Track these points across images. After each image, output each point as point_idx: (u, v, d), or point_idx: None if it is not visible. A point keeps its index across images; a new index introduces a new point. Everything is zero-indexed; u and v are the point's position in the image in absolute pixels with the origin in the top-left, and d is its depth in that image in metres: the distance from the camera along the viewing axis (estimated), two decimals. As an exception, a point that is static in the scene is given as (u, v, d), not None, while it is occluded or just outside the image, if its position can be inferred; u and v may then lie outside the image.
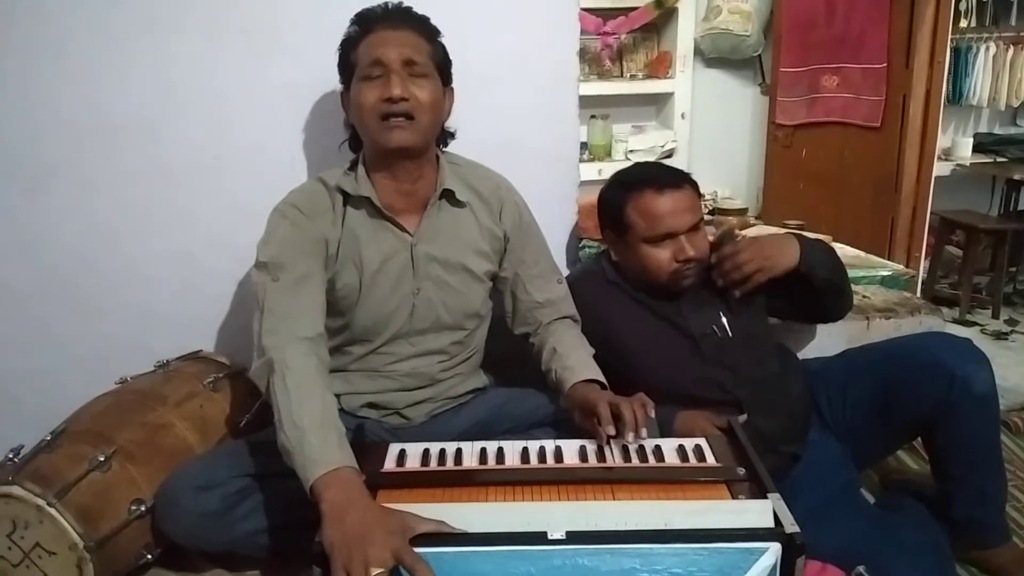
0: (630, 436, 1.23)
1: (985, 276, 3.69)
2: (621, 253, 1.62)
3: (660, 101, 4.23)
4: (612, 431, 1.25)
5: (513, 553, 0.99)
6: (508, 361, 1.66)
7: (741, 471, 1.19)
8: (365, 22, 1.43)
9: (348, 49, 1.44)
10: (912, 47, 3.16)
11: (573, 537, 1.00)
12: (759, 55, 4.16)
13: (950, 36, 3.17)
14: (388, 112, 1.37)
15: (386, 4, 1.46)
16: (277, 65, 1.71)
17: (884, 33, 3.30)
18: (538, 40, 1.82)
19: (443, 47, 1.47)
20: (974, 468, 1.47)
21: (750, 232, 2.54)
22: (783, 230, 2.47)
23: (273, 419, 1.22)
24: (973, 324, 3.31)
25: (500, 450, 1.27)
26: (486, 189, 1.56)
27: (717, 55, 4.12)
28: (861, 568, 1.25)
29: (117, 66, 1.66)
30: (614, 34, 3.94)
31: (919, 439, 1.65)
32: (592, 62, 4.02)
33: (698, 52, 4.10)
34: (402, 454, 1.27)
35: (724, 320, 1.58)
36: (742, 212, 3.01)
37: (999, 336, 3.17)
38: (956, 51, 3.74)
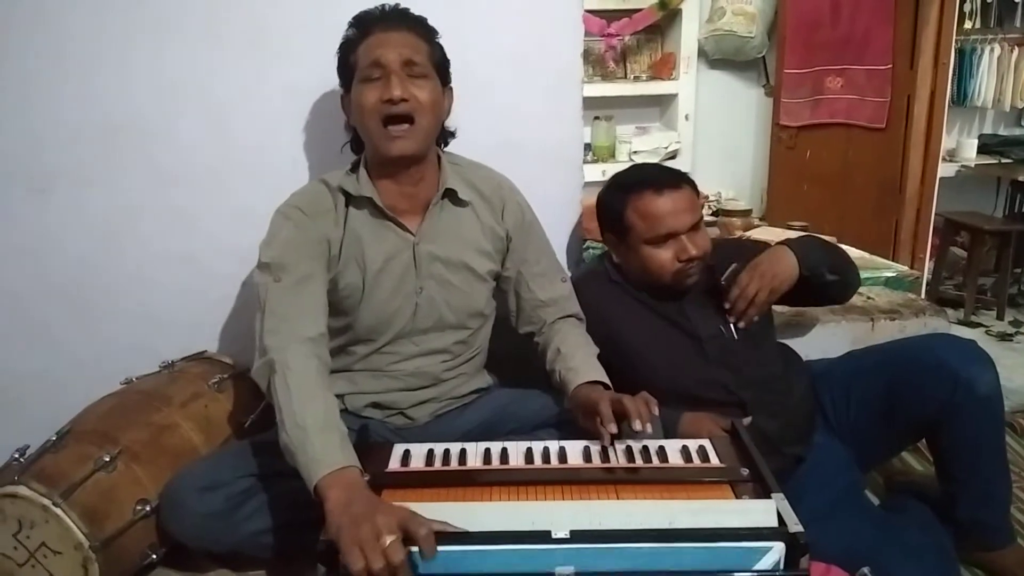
0: (636, 424, 1.22)
1: (990, 277, 3.69)
2: (623, 255, 1.62)
3: (664, 102, 4.24)
4: (614, 429, 1.24)
5: (517, 552, 0.99)
6: (512, 362, 1.66)
7: (745, 472, 1.19)
8: (363, 24, 1.43)
9: (347, 52, 1.44)
10: (916, 48, 3.16)
11: (577, 536, 1.00)
12: (763, 56, 4.16)
13: (955, 37, 3.17)
14: (389, 113, 1.37)
15: (383, 5, 1.46)
16: (278, 67, 1.71)
17: (888, 34, 3.30)
18: (542, 42, 1.82)
19: (441, 47, 1.47)
20: (978, 470, 1.47)
21: (754, 234, 2.54)
22: (785, 231, 2.47)
23: (276, 420, 1.22)
24: (978, 325, 3.31)
25: (504, 451, 1.27)
26: (488, 188, 1.56)
27: (721, 56, 4.13)
28: (865, 570, 1.24)
29: (117, 67, 1.65)
30: (618, 36, 3.95)
31: (924, 441, 1.64)
32: (596, 63, 4.03)
33: (702, 53, 4.11)
34: (406, 454, 1.28)
35: (728, 321, 1.58)
36: (746, 213, 3.01)
37: (1004, 337, 3.17)
38: (961, 52, 3.75)
